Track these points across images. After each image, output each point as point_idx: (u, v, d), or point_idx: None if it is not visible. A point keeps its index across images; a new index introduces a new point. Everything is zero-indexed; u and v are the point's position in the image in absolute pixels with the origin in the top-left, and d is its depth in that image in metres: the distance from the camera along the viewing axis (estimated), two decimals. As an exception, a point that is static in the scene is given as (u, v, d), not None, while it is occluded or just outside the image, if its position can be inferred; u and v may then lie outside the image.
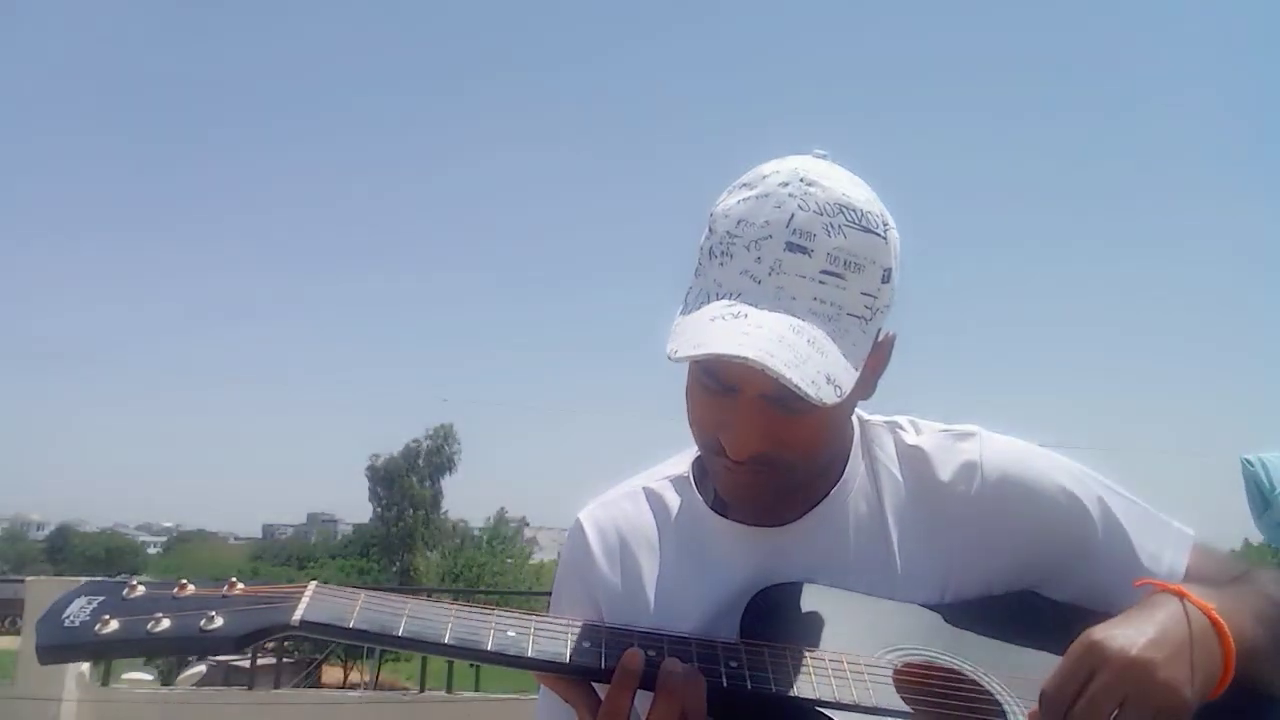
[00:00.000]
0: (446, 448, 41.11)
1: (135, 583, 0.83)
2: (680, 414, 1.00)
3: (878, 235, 0.93)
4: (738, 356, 0.84)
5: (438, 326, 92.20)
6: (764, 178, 0.95)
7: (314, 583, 0.86)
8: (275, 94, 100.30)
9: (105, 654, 0.80)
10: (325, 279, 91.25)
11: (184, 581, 0.83)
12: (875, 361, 0.98)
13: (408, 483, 40.16)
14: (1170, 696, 0.82)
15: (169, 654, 0.81)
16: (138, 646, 0.79)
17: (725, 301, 0.90)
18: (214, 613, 0.80)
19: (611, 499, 1.12)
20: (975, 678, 0.93)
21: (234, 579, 0.85)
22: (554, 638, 0.87)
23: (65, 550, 60.91)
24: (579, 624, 0.90)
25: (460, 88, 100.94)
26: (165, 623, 0.80)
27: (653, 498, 1.10)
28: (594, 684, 0.88)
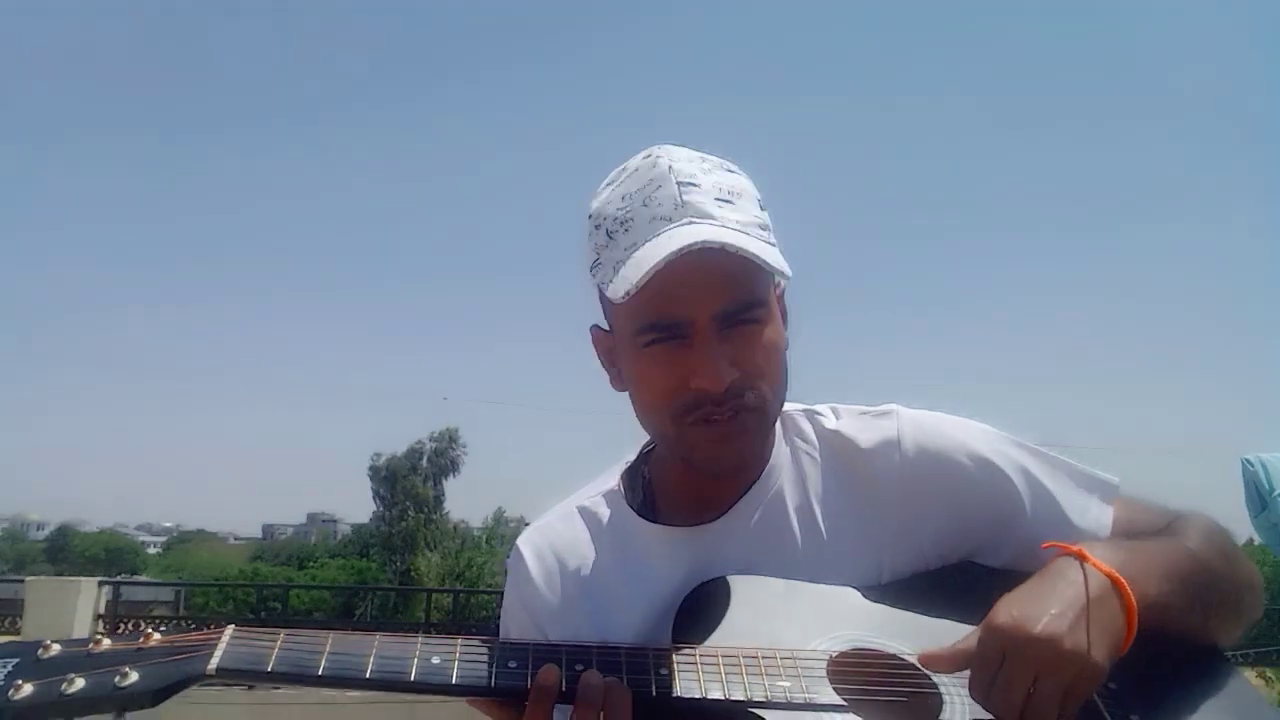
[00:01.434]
0: (450, 450, 41.03)
1: (50, 642, 0.82)
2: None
3: (738, 174, 1.01)
4: (696, 243, 0.89)
5: (438, 326, 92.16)
6: (623, 167, 1.01)
7: (231, 626, 0.85)
8: (281, 92, 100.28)
9: None
10: (326, 279, 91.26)
11: (99, 637, 0.83)
12: (780, 305, 1.03)
13: (410, 483, 40.06)
14: (1081, 663, 0.84)
15: (85, 714, 0.80)
16: (51, 710, 0.78)
17: (650, 241, 0.93)
18: (128, 668, 0.80)
19: (547, 522, 1.14)
20: (913, 661, 0.93)
21: (150, 630, 0.84)
22: (479, 661, 0.87)
23: (65, 550, 60.80)
24: (506, 644, 0.90)
25: (461, 89, 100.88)
26: (79, 682, 0.79)
27: (586, 515, 1.12)
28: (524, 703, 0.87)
